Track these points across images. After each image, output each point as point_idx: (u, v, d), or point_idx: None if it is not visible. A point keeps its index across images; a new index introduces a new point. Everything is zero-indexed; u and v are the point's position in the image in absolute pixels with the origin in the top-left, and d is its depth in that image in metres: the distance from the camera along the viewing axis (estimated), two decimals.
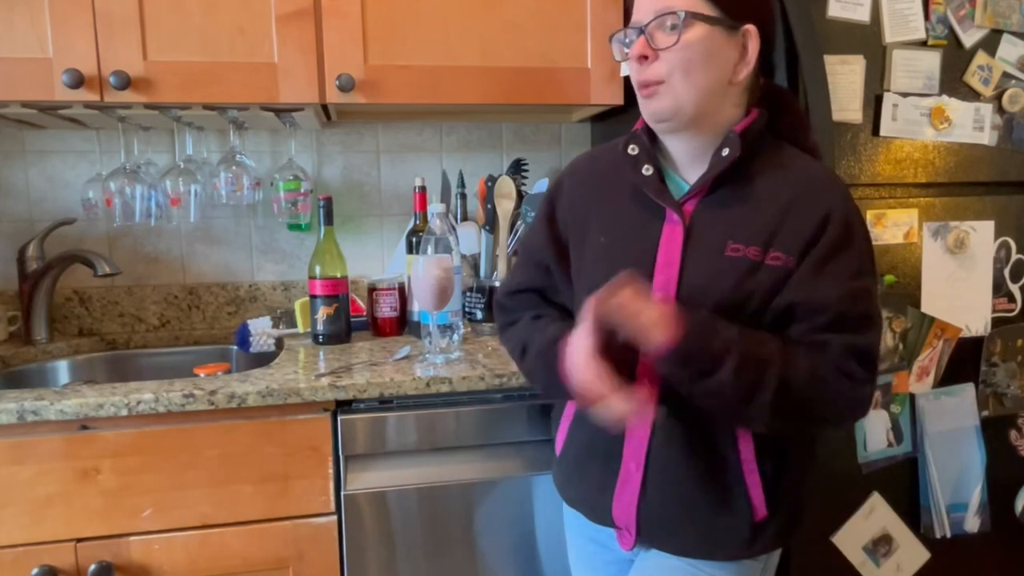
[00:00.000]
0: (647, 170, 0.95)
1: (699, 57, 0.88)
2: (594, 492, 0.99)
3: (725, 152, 0.90)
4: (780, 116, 0.97)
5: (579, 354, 0.86)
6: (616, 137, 1.06)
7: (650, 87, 0.91)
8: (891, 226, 1.29)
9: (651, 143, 0.98)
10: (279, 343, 1.56)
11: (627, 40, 0.93)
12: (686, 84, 0.88)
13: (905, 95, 1.27)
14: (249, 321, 1.58)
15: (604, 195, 1.01)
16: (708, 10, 0.87)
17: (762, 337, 0.86)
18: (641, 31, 0.90)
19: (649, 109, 0.92)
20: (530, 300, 1.09)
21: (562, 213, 1.05)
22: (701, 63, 0.88)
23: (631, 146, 0.97)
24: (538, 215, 1.09)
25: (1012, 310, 1.37)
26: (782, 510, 0.95)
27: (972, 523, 1.37)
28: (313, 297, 1.48)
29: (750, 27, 0.89)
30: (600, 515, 1.00)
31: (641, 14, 0.90)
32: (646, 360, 0.91)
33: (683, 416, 0.91)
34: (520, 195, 1.66)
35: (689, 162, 0.96)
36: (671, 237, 0.93)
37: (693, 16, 0.87)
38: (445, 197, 1.73)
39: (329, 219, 1.51)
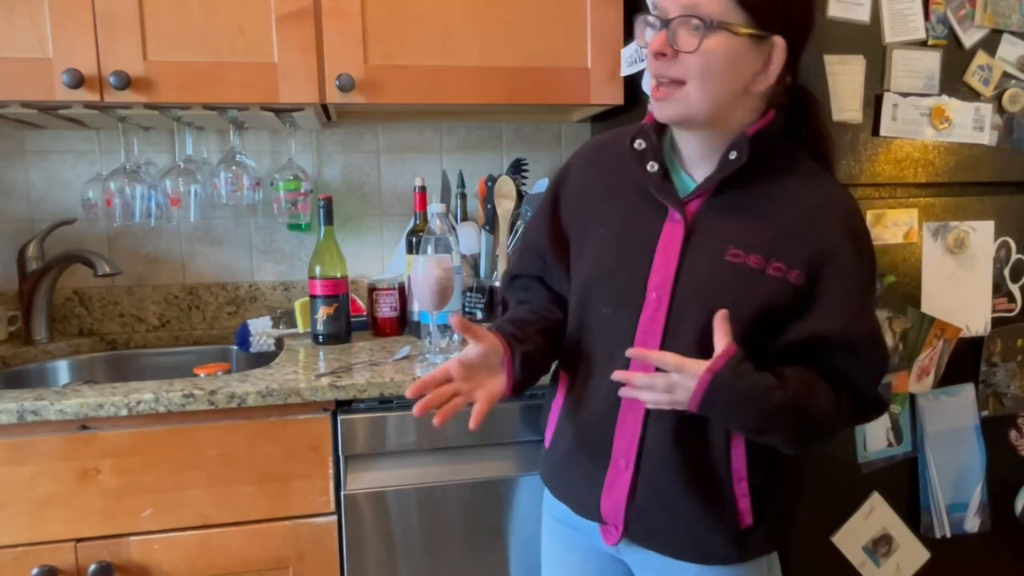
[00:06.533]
0: (652, 167, 0.94)
1: (718, 66, 0.84)
2: (582, 487, 0.99)
3: (732, 155, 0.89)
4: (802, 120, 0.95)
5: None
6: None
7: (663, 88, 0.88)
8: (891, 226, 1.29)
9: (658, 139, 0.96)
10: (279, 343, 1.56)
11: (651, 24, 0.89)
12: (701, 92, 0.86)
13: (905, 95, 1.27)
14: (249, 321, 1.58)
15: (609, 186, 1.00)
16: (736, 18, 0.83)
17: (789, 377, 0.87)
18: (664, 26, 0.86)
19: (661, 112, 0.90)
20: (527, 284, 1.12)
21: (566, 200, 1.05)
22: (720, 72, 0.85)
23: (638, 141, 0.96)
24: (541, 203, 1.08)
25: (1012, 310, 1.37)
26: (768, 518, 0.94)
27: (972, 523, 1.37)
28: (313, 297, 1.48)
29: (778, 39, 0.85)
30: (587, 509, 0.99)
31: (668, 4, 0.86)
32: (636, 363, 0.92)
33: (676, 421, 0.91)
34: (520, 195, 1.66)
35: (698, 160, 0.94)
36: (671, 236, 0.92)
37: (719, 24, 0.83)
38: (445, 197, 1.73)
39: (329, 219, 1.50)
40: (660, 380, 0.85)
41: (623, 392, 0.89)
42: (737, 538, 0.93)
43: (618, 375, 0.88)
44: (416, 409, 0.87)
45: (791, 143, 0.95)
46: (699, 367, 0.83)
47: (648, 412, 0.92)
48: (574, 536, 1.06)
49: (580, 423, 0.99)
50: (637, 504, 0.94)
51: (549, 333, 1.02)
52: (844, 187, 0.96)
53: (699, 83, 0.86)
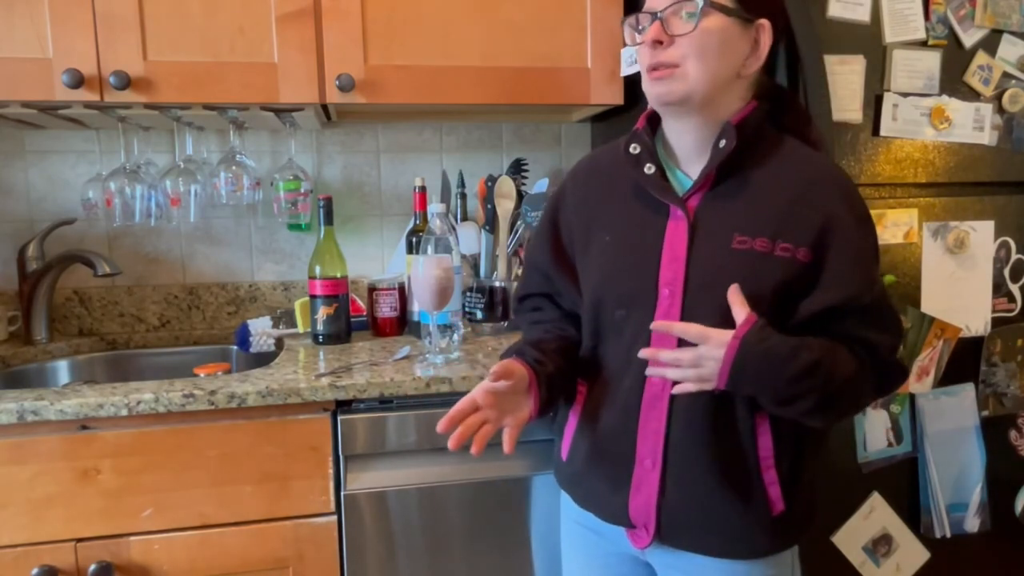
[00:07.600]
0: (649, 168, 0.96)
1: (714, 45, 0.88)
2: (608, 492, 0.98)
3: (722, 144, 0.91)
4: (784, 112, 0.98)
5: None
6: (616, 137, 1.06)
7: (662, 70, 0.91)
8: (891, 226, 1.29)
9: (651, 142, 0.98)
10: (279, 343, 1.56)
11: (640, 27, 0.93)
12: (699, 70, 0.89)
13: (905, 95, 1.27)
14: (249, 321, 1.58)
15: (607, 194, 1.02)
16: (725, 1, 0.88)
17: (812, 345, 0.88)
18: (656, 17, 0.90)
19: (658, 91, 0.92)
20: (538, 304, 1.14)
21: (566, 218, 1.06)
22: (715, 51, 0.89)
23: (632, 145, 0.98)
24: (541, 223, 1.11)
25: (1012, 310, 1.37)
26: (797, 504, 0.95)
27: (972, 523, 1.37)
28: (313, 297, 1.48)
29: (764, 22, 0.90)
30: (614, 515, 0.99)
31: (656, 0, 0.91)
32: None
33: (700, 414, 0.91)
34: (520, 195, 1.66)
35: (692, 155, 0.96)
36: (676, 233, 0.93)
37: (711, 5, 0.88)
38: (445, 197, 1.73)
39: (329, 219, 1.50)
40: (686, 355, 0.87)
41: (650, 371, 0.91)
42: (771, 526, 0.93)
43: (645, 352, 0.90)
44: (451, 443, 0.90)
45: (777, 130, 0.97)
46: (723, 336, 0.85)
47: (671, 408, 0.92)
48: (597, 541, 1.06)
49: (601, 428, 0.99)
50: (668, 503, 0.94)
51: (566, 351, 1.03)
52: (832, 161, 0.99)
53: (697, 61, 0.89)
